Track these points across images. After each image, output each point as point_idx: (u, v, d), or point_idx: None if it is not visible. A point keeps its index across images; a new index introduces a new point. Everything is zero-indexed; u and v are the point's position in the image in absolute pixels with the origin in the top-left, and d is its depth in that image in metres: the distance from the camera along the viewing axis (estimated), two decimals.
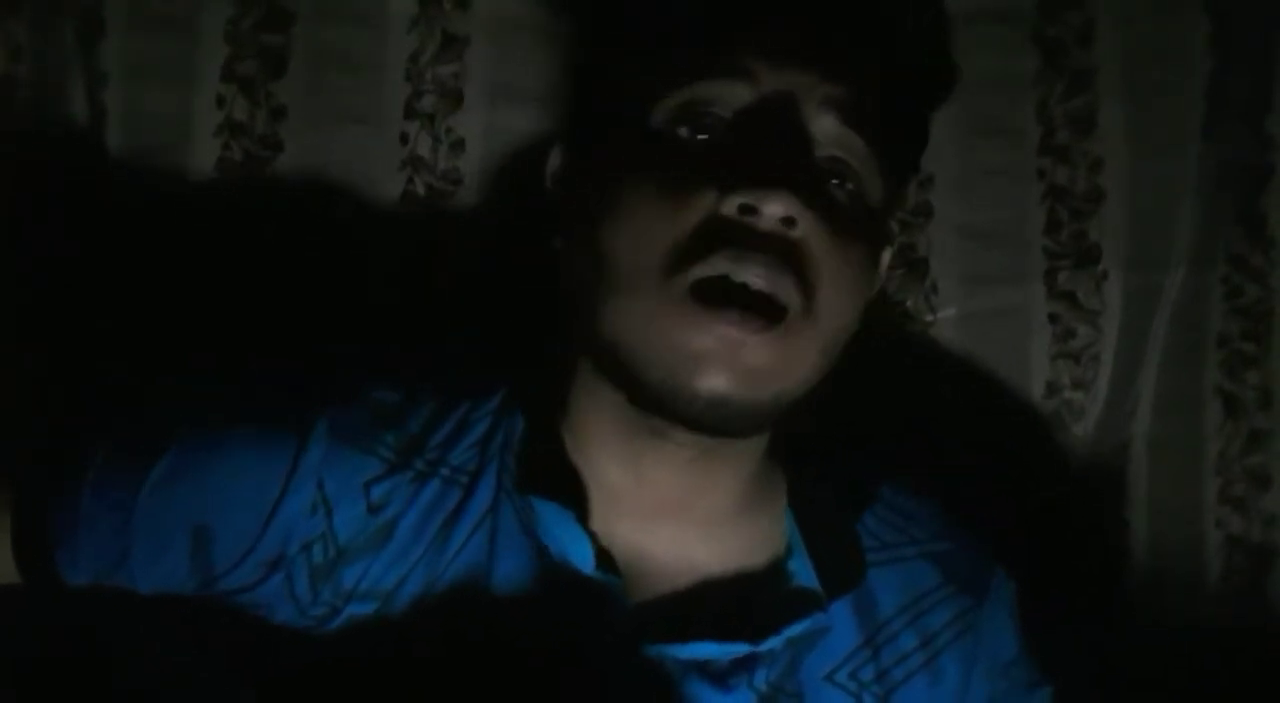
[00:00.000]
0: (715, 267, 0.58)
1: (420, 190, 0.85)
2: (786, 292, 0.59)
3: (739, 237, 0.58)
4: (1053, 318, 0.89)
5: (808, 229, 0.59)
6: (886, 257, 0.71)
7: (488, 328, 0.83)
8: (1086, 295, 0.89)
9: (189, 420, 0.67)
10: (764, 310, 0.58)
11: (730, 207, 0.58)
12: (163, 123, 0.83)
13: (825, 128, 0.62)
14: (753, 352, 0.58)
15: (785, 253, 0.59)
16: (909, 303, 0.88)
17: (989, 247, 0.88)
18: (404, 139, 0.84)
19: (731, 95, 0.61)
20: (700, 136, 0.61)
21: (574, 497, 0.65)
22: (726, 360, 0.58)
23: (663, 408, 0.60)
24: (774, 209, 0.58)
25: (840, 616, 0.66)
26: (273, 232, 0.84)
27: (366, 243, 0.85)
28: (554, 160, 0.70)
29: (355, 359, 0.71)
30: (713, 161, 0.60)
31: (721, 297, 0.58)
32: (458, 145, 0.85)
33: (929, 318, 0.88)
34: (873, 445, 0.76)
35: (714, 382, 0.58)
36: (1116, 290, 0.89)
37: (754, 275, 0.58)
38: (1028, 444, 0.90)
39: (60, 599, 0.66)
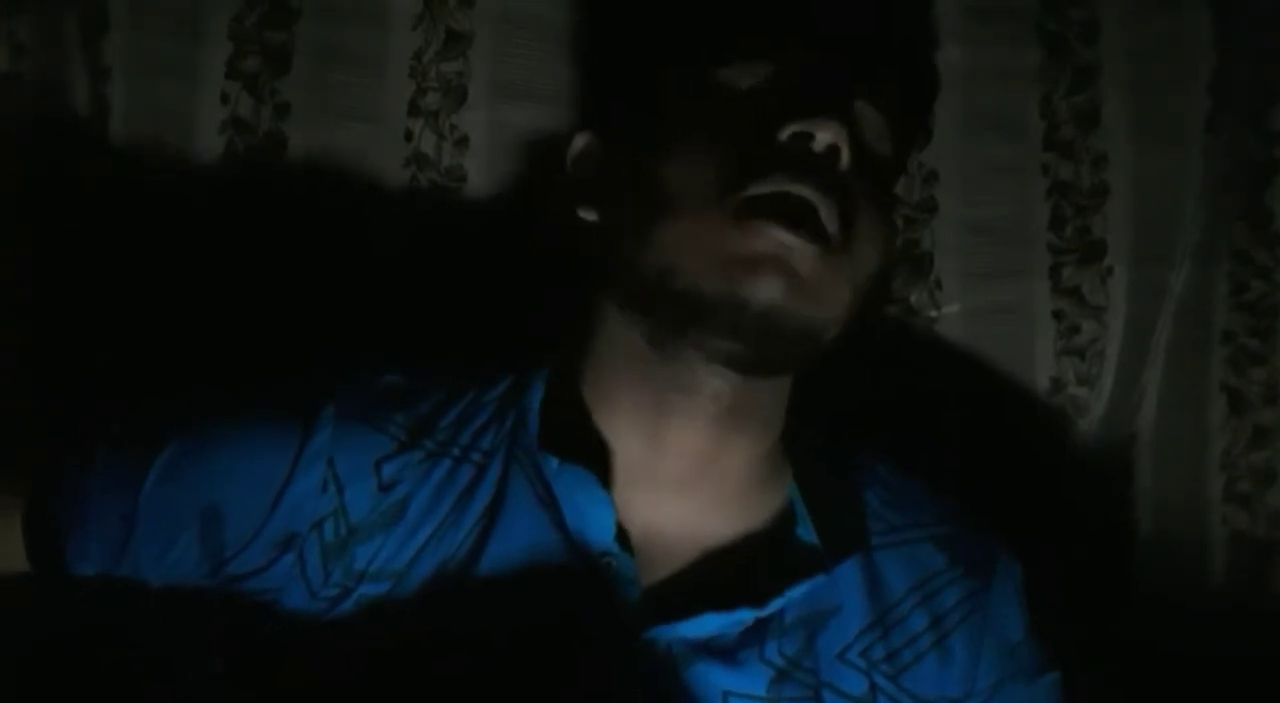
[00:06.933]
0: (773, 183, 0.61)
1: (424, 187, 0.85)
2: (830, 216, 0.61)
3: (791, 161, 0.62)
4: (1057, 314, 0.89)
5: (849, 164, 0.62)
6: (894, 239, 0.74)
7: (490, 323, 0.83)
8: (1091, 291, 0.89)
9: (193, 412, 0.67)
10: (811, 228, 0.61)
11: (785, 132, 0.62)
12: (166, 119, 0.83)
13: (861, 108, 0.66)
14: (800, 260, 0.61)
15: (830, 180, 0.62)
16: (913, 299, 0.88)
17: (993, 242, 0.88)
18: (408, 136, 0.84)
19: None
20: (751, 82, 0.65)
21: (597, 462, 0.65)
22: (777, 266, 0.60)
23: (712, 320, 0.61)
24: (826, 135, 0.62)
25: (851, 595, 0.67)
26: (276, 229, 0.84)
27: (370, 240, 0.85)
28: (578, 143, 0.72)
29: (357, 356, 0.71)
30: (766, 98, 0.64)
31: (774, 208, 0.61)
32: (461, 142, 0.85)
33: (933, 314, 0.88)
34: (875, 438, 0.76)
35: (766, 287, 0.60)
36: (1121, 286, 0.89)
37: (807, 191, 0.61)
38: (1032, 440, 0.90)
39: (66, 591, 0.66)
